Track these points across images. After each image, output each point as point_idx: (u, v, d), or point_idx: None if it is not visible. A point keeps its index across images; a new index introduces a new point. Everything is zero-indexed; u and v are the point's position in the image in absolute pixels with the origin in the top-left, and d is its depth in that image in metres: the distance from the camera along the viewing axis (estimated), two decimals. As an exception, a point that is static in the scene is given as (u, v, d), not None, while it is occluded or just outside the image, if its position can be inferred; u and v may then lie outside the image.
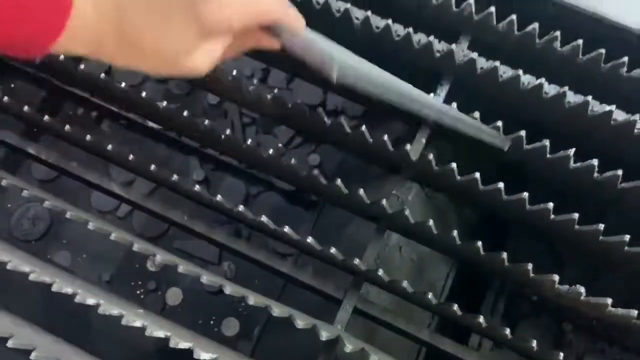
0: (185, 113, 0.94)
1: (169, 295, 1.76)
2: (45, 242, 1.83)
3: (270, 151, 0.91)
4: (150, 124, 1.91)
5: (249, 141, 0.92)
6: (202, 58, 0.50)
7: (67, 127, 0.92)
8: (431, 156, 0.84)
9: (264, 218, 0.86)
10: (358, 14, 0.95)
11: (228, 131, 0.91)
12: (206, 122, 0.89)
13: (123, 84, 0.98)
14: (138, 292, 1.78)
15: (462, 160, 0.93)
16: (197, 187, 0.92)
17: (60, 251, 1.80)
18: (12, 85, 1.93)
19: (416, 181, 0.94)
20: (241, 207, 0.86)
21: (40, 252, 1.79)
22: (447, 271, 1.38)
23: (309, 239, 0.81)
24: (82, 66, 0.95)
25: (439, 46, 0.93)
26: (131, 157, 0.95)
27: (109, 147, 0.93)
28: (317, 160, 1.95)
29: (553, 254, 1.44)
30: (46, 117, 0.93)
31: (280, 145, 1.99)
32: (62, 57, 0.93)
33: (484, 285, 1.38)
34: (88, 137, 0.93)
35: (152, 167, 0.95)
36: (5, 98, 0.95)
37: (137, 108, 1.03)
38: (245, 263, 1.06)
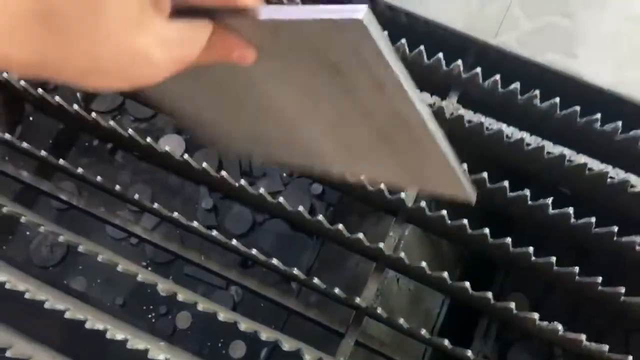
0: (195, 164, 1.03)
1: (179, 318, 1.86)
2: (62, 268, 1.93)
3: (268, 195, 1.00)
4: (162, 155, 2.02)
5: (246, 184, 1.02)
6: (158, 44, 0.34)
7: (80, 169, 1.00)
8: (424, 203, 0.94)
9: (261, 256, 0.95)
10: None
11: (240, 182, 1.00)
12: (221, 173, 0.98)
13: (147, 139, 1.08)
14: (150, 315, 1.87)
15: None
16: (195, 224, 1.00)
17: (77, 277, 1.90)
18: (31, 118, 2.04)
19: (411, 223, 1.03)
20: (234, 241, 0.95)
21: (57, 278, 1.88)
22: (442, 299, 1.47)
23: (315, 280, 0.90)
24: (93, 114, 1.04)
25: (431, 100, 1.03)
26: (137, 196, 1.04)
27: (117, 187, 1.02)
28: (319, 190, 2.05)
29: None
30: (61, 161, 1.01)
31: (284, 174, 2.10)
32: (76, 106, 1.03)
33: (477, 312, 1.47)
34: (98, 178, 1.02)
35: (156, 205, 1.03)
36: (25, 144, 1.04)
37: (153, 158, 1.12)
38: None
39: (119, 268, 0.92)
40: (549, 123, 1.01)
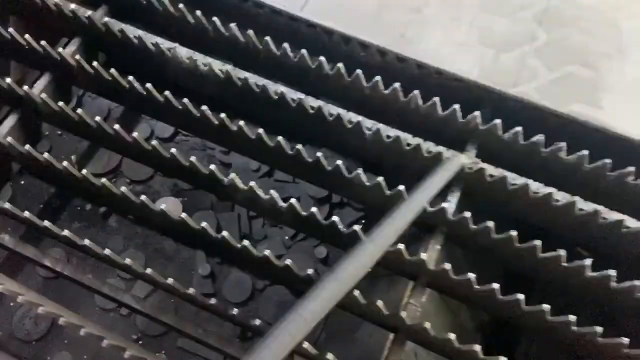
0: (193, 224, 0.94)
1: (172, 398, 1.70)
2: (46, 343, 1.78)
3: (273, 257, 0.91)
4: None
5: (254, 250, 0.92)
6: None
7: (66, 232, 0.91)
8: (449, 266, 0.84)
9: (263, 327, 0.85)
10: (368, 124, 0.99)
11: (240, 243, 0.91)
12: (222, 234, 0.89)
13: (142, 197, 0.99)
14: (139, 394, 1.71)
15: (469, 264, 0.93)
16: (191, 290, 0.90)
17: (62, 352, 1.75)
18: (22, 182, 1.96)
19: (433, 288, 0.93)
20: (235, 310, 0.85)
21: (40, 353, 1.74)
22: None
23: (329, 357, 0.79)
24: (84, 171, 0.96)
25: (448, 154, 0.96)
26: (127, 260, 0.94)
27: (107, 251, 0.92)
28: (324, 254, 1.94)
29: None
30: (46, 222, 0.92)
31: (286, 237, 2.00)
32: (65, 163, 0.95)
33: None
34: (87, 241, 0.92)
35: (149, 270, 0.93)
36: (7, 205, 0.96)
37: (135, 211, 1.03)
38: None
39: (104, 343, 0.81)
40: (577, 177, 0.93)
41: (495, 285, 0.83)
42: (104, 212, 1.95)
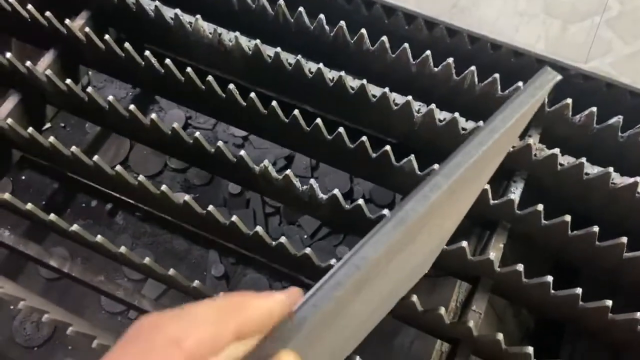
0: (216, 213, 0.83)
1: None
2: (49, 349, 1.66)
3: (294, 251, 0.79)
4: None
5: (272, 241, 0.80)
6: None
7: (75, 226, 0.80)
8: (521, 267, 0.72)
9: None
10: (416, 106, 0.87)
11: (252, 231, 0.79)
12: (234, 217, 0.78)
13: (140, 177, 0.86)
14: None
15: (518, 258, 0.81)
16: (202, 288, 0.78)
17: (66, 358, 1.63)
18: (23, 177, 1.85)
19: (497, 293, 0.81)
20: None
21: (42, 360, 1.62)
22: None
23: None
24: (95, 158, 0.85)
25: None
26: (147, 260, 0.83)
27: (122, 249, 0.80)
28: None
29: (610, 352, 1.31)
30: (52, 216, 0.81)
31: (305, 236, 1.88)
32: (74, 148, 0.84)
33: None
34: (99, 237, 0.80)
35: (172, 272, 0.82)
36: (7, 195, 0.84)
37: (152, 203, 0.92)
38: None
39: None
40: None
41: (578, 290, 0.71)
42: (111, 209, 1.83)
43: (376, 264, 0.38)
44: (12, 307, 1.68)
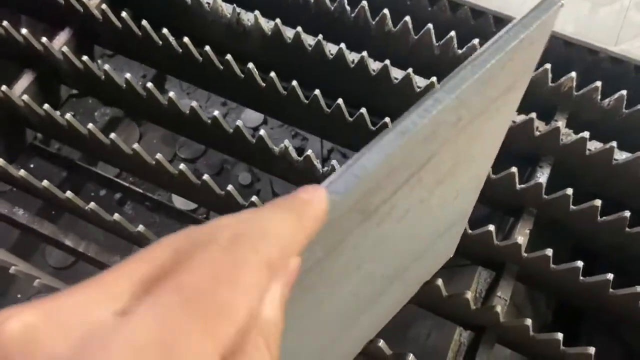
0: (217, 190, 0.81)
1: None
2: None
3: None
4: (178, 205, 1.80)
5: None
6: None
7: (92, 204, 0.78)
8: (550, 252, 0.70)
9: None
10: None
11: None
12: (249, 202, 0.76)
13: (181, 166, 0.86)
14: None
15: (540, 245, 0.79)
16: None
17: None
18: (32, 166, 1.83)
19: (523, 281, 0.79)
20: None
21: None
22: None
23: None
24: (112, 135, 0.84)
25: (537, 123, 0.82)
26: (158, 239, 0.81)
27: (140, 227, 0.79)
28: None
29: (625, 349, 1.29)
30: (68, 193, 0.80)
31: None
32: (90, 126, 0.83)
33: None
34: (116, 216, 0.79)
35: None
36: (22, 172, 0.83)
37: (168, 183, 0.90)
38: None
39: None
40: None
41: (609, 276, 0.68)
42: (120, 199, 1.82)
43: (376, 176, 0.32)
44: (18, 295, 1.67)
